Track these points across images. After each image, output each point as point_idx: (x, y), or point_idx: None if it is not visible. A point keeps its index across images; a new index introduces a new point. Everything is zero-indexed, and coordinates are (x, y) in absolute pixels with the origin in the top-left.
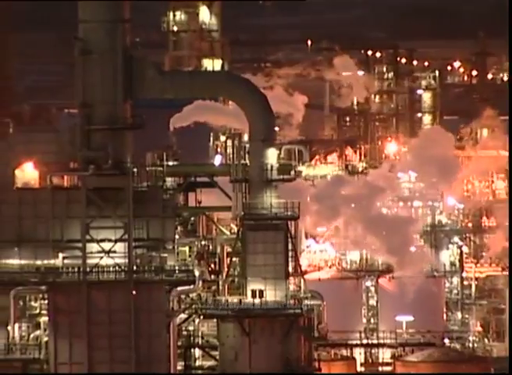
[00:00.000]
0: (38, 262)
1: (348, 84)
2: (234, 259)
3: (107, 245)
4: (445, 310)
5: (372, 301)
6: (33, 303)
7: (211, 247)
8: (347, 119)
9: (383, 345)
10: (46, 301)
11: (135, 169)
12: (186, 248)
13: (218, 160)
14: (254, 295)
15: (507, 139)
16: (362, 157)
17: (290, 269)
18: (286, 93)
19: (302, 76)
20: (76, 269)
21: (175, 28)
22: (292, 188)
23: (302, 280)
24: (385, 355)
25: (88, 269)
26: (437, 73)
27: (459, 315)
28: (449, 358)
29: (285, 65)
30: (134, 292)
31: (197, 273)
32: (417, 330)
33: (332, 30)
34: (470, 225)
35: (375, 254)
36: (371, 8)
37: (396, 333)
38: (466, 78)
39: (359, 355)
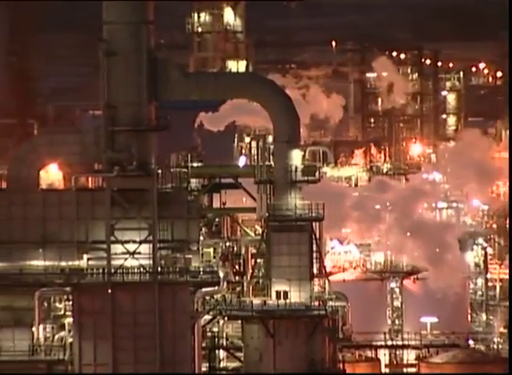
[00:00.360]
0: (63, 264)
1: (388, 86)
2: (259, 261)
3: (131, 246)
4: (469, 311)
5: (397, 303)
6: (57, 304)
7: (235, 248)
8: (372, 120)
9: (408, 347)
10: (70, 303)
11: (159, 171)
12: (211, 250)
13: (242, 161)
14: (278, 296)
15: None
16: (387, 158)
17: (315, 271)
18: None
19: (328, 77)
20: (100, 271)
21: (199, 29)
22: (331, 192)
23: (326, 282)
24: (409, 356)
25: (113, 271)
26: (461, 74)
27: (483, 316)
28: (473, 360)
29: (310, 66)
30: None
31: (221, 275)
32: (441, 331)
33: (357, 31)
34: (494, 226)
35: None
36: (396, 9)
37: (420, 335)
38: (490, 79)
39: (383, 356)
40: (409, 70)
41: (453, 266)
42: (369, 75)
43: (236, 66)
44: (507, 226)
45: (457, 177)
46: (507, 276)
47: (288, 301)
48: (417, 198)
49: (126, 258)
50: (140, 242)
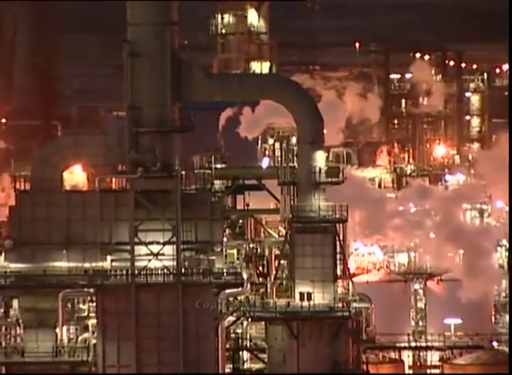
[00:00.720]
0: (86, 265)
1: (427, 90)
2: (282, 262)
3: (155, 248)
4: (493, 313)
5: (420, 304)
6: (81, 305)
7: (259, 249)
8: (395, 121)
9: (431, 348)
10: (94, 304)
11: (183, 172)
12: (235, 251)
13: (266, 163)
14: (302, 298)
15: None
16: (410, 159)
17: (338, 272)
18: (360, 96)
19: (351, 78)
20: (124, 272)
21: (223, 31)
22: (371, 197)
23: (350, 283)
24: (433, 357)
25: (136, 272)
26: (485, 75)
27: (507, 317)
28: (497, 361)
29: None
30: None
31: (245, 276)
32: (465, 332)
33: (381, 32)
34: None
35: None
36: (420, 10)
37: (444, 336)
38: None
39: (407, 357)
40: (433, 72)
41: (489, 276)
42: (393, 76)
43: (260, 67)
44: None
45: (483, 179)
46: None
47: (312, 302)
48: (458, 202)
49: (149, 260)
50: (164, 243)
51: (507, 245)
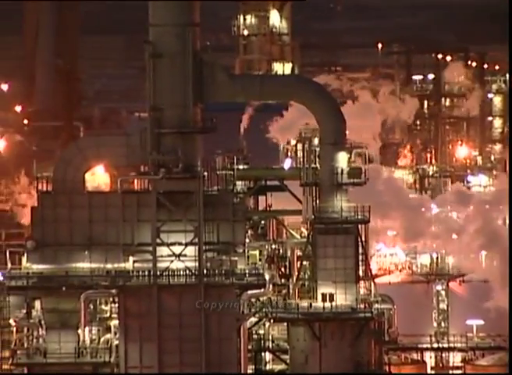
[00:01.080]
0: (108, 266)
1: (462, 92)
2: (304, 263)
3: (177, 249)
4: None
5: (443, 305)
6: (103, 306)
7: (281, 250)
8: (418, 122)
9: (454, 349)
10: (116, 305)
11: (205, 173)
12: (257, 252)
13: (288, 164)
14: (324, 299)
15: None
16: (433, 160)
17: (360, 273)
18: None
19: (374, 79)
20: (146, 273)
21: (245, 32)
22: (409, 204)
23: (372, 284)
24: (455, 358)
25: (159, 273)
26: (508, 76)
27: None
28: None
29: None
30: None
31: (267, 277)
32: (487, 333)
33: (403, 33)
34: None
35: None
36: (442, 11)
37: (466, 337)
38: None
39: (429, 358)
40: (455, 73)
41: None
42: (415, 77)
43: (282, 68)
44: None
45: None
46: None
47: (334, 303)
48: (496, 207)
49: (171, 261)
50: (186, 244)
51: None
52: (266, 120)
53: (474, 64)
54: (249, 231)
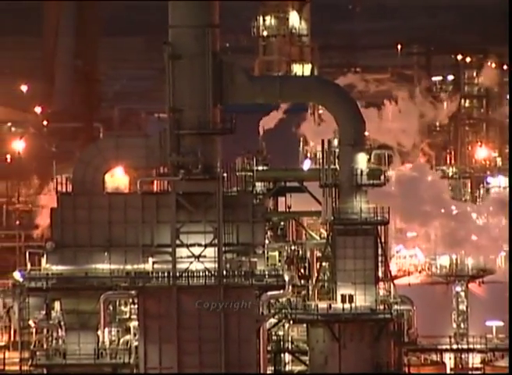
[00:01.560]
0: (128, 267)
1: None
2: (324, 264)
3: (197, 250)
4: None
5: (462, 306)
6: (123, 308)
7: (300, 252)
8: (437, 123)
9: (473, 350)
10: (136, 306)
11: (225, 174)
12: (276, 253)
13: (307, 165)
14: (343, 300)
15: None
16: (452, 162)
17: (380, 274)
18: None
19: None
20: (165, 274)
21: (264, 33)
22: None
23: (392, 285)
24: (475, 360)
25: (178, 274)
26: None
27: None
28: None
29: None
30: None
31: (286, 278)
32: (507, 335)
33: (422, 34)
34: None
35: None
36: (461, 12)
37: (486, 338)
38: None
39: (449, 360)
40: (474, 74)
41: None
42: (435, 78)
43: (301, 69)
44: None
45: None
46: None
47: (353, 304)
48: None
49: (191, 262)
50: (206, 246)
51: None
52: (292, 121)
53: (493, 65)
54: (268, 232)
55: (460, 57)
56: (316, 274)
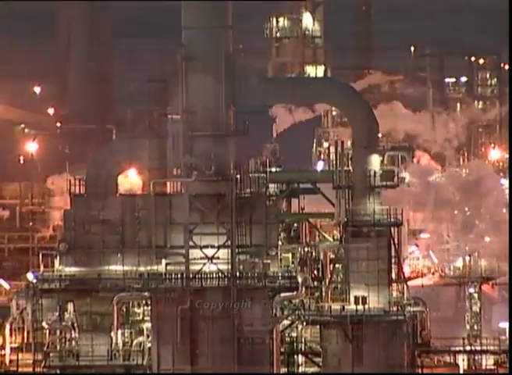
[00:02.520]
0: (141, 269)
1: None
2: (337, 266)
3: (210, 251)
4: None
5: (475, 308)
6: (136, 309)
7: (314, 253)
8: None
9: (486, 352)
10: (149, 308)
11: (238, 176)
12: (289, 255)
13: (320, 166)
14: (357, 302)
15: None
16: (465, 163)
17: (393, 276)
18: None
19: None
20: (179, 276)
21: (278, 35)
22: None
23: (405, 287)
24: (488, 361)
25: (191, 276)
26: None
27: None
28: None
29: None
30: None
31: (300, 280)
32: None
33: (435, 36)
34: None
35: None
36: (474, 14)
37: (499, 340)
38: None
39: (462, 361)
40: (488, 75)
41: None
42: (448, 80)
43: (315, 71)
44: None
45: None
46: None
47: (366, 306)
48: None
49: (204, 263)
50: (219, 247)
51: None
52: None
53: (507, 67)
54: (281, 234)
55: (473, 59)
56: (329, 276)
